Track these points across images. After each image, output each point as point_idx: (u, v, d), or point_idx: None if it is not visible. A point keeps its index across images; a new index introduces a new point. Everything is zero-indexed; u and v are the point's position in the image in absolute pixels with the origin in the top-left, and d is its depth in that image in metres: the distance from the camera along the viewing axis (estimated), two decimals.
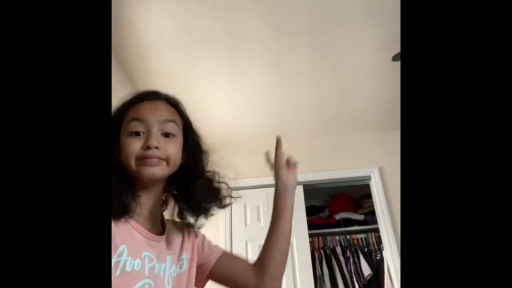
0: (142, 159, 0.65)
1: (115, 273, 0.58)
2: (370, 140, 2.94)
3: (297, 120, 2.76)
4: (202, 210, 0.75)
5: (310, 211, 3.19)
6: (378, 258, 2.89)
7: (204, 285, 0.80)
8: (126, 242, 0.61)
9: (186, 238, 0.77)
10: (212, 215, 0.76)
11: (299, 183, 2.87)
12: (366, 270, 2.87)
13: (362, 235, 3.21)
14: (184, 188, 0.74)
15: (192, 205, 0.74)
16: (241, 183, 2.83)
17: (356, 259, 2.99)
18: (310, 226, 2.81)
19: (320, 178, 2.84)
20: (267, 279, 0.78)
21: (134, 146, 0.65)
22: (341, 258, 3.04)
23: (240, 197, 0.80)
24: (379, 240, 2.96)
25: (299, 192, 2.78)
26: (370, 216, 3.18)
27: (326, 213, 3.43)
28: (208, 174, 0.77)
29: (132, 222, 0.65)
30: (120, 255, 0.59)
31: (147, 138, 0.66)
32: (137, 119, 0.67)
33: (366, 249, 3.10)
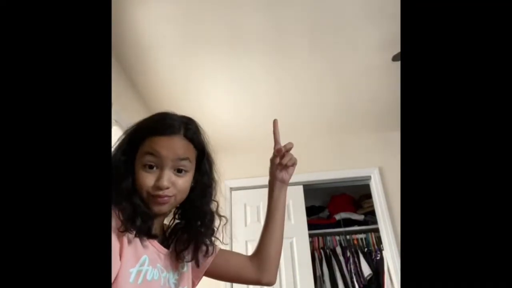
0: (153, 196, 0.68)
1: (137, 281, 0.62)
2: (370, 140, 2.94)
3: (297, 120, 2.76)
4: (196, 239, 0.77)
5: (310, 211, 3.19)
6: (378, 258, 2.89)
7: (199, 279, 0.83)
8: (147, 252, 0.67)
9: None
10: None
11: (299, 183, 2.89)
12: (366, 270, 2.87)
13: (362, 235, 3.22)
14: (187, 214, 0.77)
15: (190, 236, 0.76)
16: (241, 183, 2.84)
17: (356, 259, 2.99)
18: (310, 226, 2.81)
19: (320, 178, 2.85)
20: (266, 271, 0.84)
21: (147, 181, 0.68)
22: (341, 258, 3.04)
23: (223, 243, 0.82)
24: (379, 240, 2.96)
25: (299, 192, 2.79)
26: (370, 216, 3.18)
27: (326, 213, 3.44)
28: (209, 208, 0.79)
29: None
30: (142, 264, 0.64)
31: (159, 178, 0.68)
32: (152, 154, 0.68)
33: (366, 249, 3.10)
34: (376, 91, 2.48)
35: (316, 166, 2.87)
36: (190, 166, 0.72)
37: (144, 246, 0.67)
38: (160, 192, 0.67)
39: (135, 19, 1.82)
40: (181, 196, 0.72)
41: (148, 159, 0.68)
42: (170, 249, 0.75)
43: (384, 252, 2.65)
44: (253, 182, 2.81)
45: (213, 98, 2.42)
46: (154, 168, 0.68)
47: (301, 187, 2.81)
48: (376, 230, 2.84)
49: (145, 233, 0.67)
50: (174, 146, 0.70)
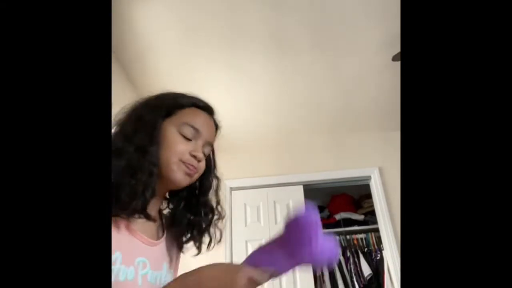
0: (184, 163, 0.66)
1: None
2: (370, 140, 2.94)
3: (297, 120, 2.76)
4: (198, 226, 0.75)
5: None
6: (378, 258, 2.89)
7: None
8: (122, 248, 0.58)
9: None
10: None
11: (299, 183, 2.89)
12: (366, 270, 2.87)
13: (362, 235, 3.22)
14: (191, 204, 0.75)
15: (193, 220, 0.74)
16: (241, 183, 2.84)
17: (356, 259, 2.99)
18: None
19: (320, 178, 2.85)
20: None
21: (184, 147, 0.66)
22: (341, 258, 3.04)
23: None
24: (379, 240, 2.96)
25: (299, 192, 2.79)
26: (370, 216, 3.18)
27: (326, 213, 3.43)
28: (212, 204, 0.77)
29: (132, 224, 0.62)
30: (113, 263, 0.55)
31: (197, 149, 0.67)
32: (193, 127, 0.68)
33: (366, 249, 3.10)
34: (376, 91, 2.48)
35: (316, 166, 2.87)
36: (209, 153, 0.73)
37: (126, 239, 0.59)
38: (195, 162, 0.66)
39: (135, 19, 1.82)
40: (196, 178, 0.70)
41: (188, 130, 0.67)
42: (164, 237, 0.70)
43: (384, 252, 2.65)
44: (253, 182, 2.81)
45: (213, 98, 2.40)
46: (191, 141, 0.67)
47: (301, 187, 2.81)
48: (376, 230, 2.84)
49: (136, 208, 0.59)
50: (211, 129, 0.72)
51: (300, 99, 2.52)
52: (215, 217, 0.76)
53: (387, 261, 2.58)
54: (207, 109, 0.75)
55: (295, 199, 2.77)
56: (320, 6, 1.79)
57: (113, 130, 0.69)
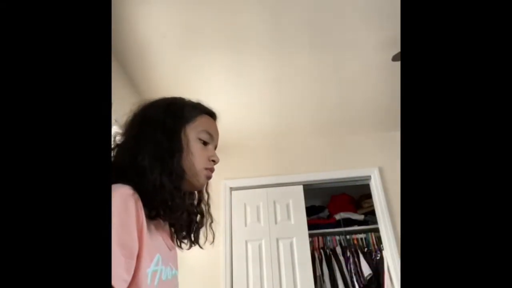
0: (206, 169, 0.72)
1: (154, 282, 0.58)
2: (370, 140, 2.94)
3: (297, 120, 2.76)
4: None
5: (310, 211, 3.19)
6: (378, 258, 2.89)
7: None
8: (159, 250, 0.63)
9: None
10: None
11: (299, 183, 2.89)
12: (366, 270, 2.87)
13: (362, 235, 3.22)
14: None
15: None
16: (241, 183, 2.84)
17: (356, 259, 2.99)
18: (310, 226, 2.81)
19: (320, 178, 2.85)
20: None
21: (206, 153, 0.73)
22: (341, 258, 3.04)
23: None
24: (379, 240, 2.96)
25: (299, 192, 2.79)
26: (370, 216, 3.18)
27: (326, 213, 3.44)
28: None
29: (162, 229, 0.68)
30: (157, 264, 0.60)
31: (214, 154, 0.74)
32: (209, 133, 0.74)
33: (366, 249, 3.11)
34: (376, 91, 2.48)
35: (316, 166, 2.87)
36: None
37: (160, 242, 0.65)
38: (214, 166, 0.73)
39: (135, 18, 1.82)
40: None
41: (206, 136, 0.74)
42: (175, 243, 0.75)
43: (384, 252, 2.65)
44: (253, 182, 2.81)
45: (213, 98, 2.41)
46: (207, 145, 0.74)
47: (301, 187, 2.81)
48: (376, 230, 2.84)
49: (171, 213, 0.63)
50: (218, 134, 0.79)
51: (300, 99, 2.52)
52: (208, 220, 0.81)
53: (387, 261, 2.58)
54: (215, 115, 0.81)
55: (295, 199, 2.77)
56: (320, 6, 1.79)
57: (126, 131, 0.72)
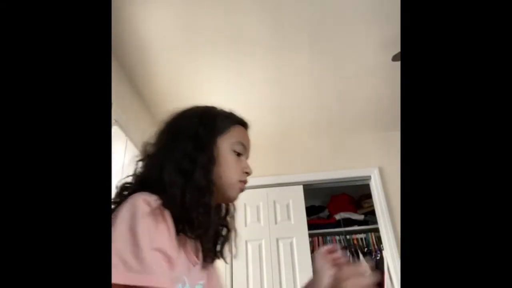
0: (240, 182, 0.70)
1: None
2: (370, 140, 2.94)
3: (297, 120, 2.76)
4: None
5: (310, 211, 3.19)
6: (378, 258, 2.89)
7: None
8: (183, 271, 0.60)
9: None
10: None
11: (299, 183, 2.88)
12: None
13: (362, 235, 3.21)
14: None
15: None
16: None
17: (356, 259, 2.99)
18: (310, 226, 2.81)
19: (320, 178, 2.85)
20: None
21: (240, 166, 0.70)
22: None
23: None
24: (379, 240, 2.96)
25: (299, 192, 2.79)
26: (370, 216, 3.18)
27: (326, 213, 3.43)
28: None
29: (187, 245, 0.64)
30: (182, 286, 0.58)
31: (247, 165, 0.71)
32: (243, 145, 0.72)
33: (366, 249, 3.10)
34: (376, 91, 2.48)
35: (316, 166, 2.87)
36: None
37: (185, 260, 0.61)
38: (247, 178, 0.70)
39: (135, 19, 1.82)
40: None
41: (240, 147, 0.71)
42: (200, 259, 0.70)
43: (384, 252, 2.65)
44: (253, 182, 2.78)
45: (213, 98, 2.41)
46: (240, 156, 0.71)
47: (301, 187, 2.81)
48: (376, 230, 2.84)
49: (200, 230, 0.60)
50: (250, 144, 0.76)
51: (300, 99, 2.52)
52: (234, 234, 0.77)
53: (387, 261, 2.58)
54: (247, 125, 0.79)
55: (295, 199, 2.77)
56: (320, 7, 1.79)
57: (156, 142, 0.69)
